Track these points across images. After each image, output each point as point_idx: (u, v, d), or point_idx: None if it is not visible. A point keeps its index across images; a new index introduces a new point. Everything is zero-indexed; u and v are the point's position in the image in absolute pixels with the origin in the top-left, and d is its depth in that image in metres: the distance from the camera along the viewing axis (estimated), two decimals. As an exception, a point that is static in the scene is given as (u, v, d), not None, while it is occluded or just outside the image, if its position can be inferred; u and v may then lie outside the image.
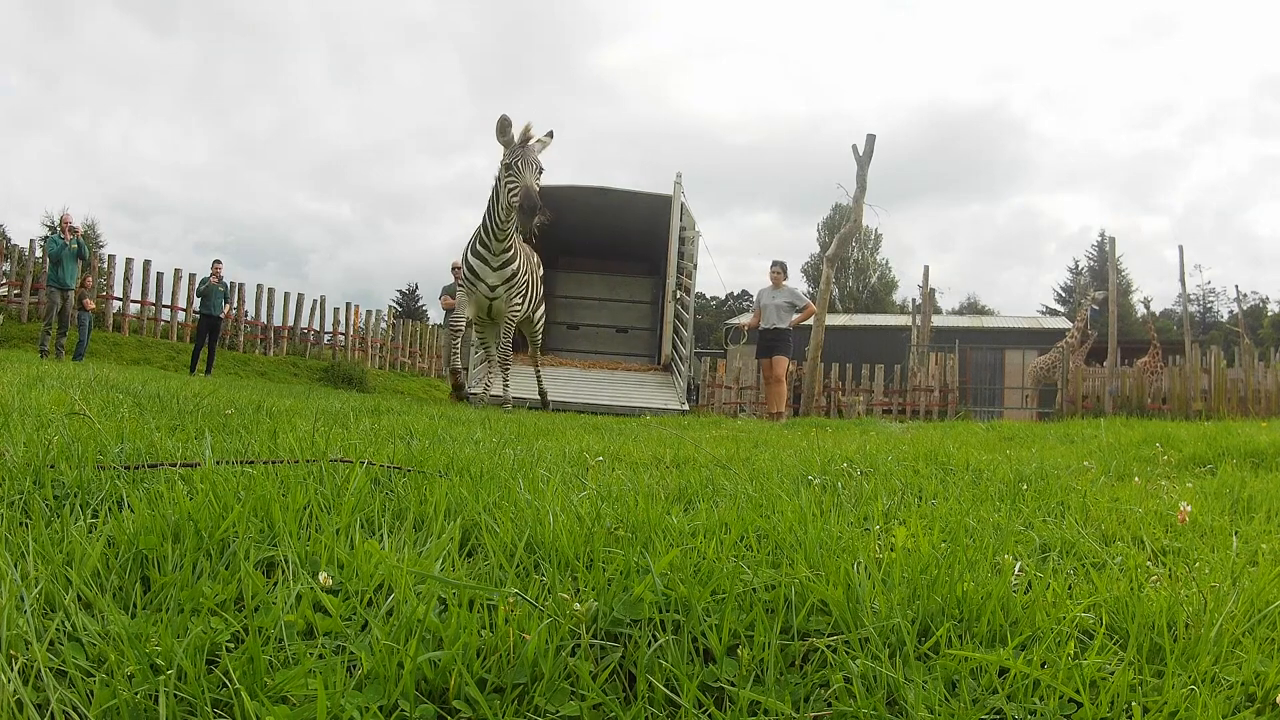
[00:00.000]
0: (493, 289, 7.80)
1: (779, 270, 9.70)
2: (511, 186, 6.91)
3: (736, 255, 69.37)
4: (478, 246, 7.70)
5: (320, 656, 0.93)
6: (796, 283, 10.70)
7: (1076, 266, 49.52)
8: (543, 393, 9.36)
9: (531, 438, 3.35)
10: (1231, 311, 40.79)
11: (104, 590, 1.06)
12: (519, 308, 8.06)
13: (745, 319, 12.37)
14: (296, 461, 1.77)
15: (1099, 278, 35.80)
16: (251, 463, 1.72)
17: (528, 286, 8.30)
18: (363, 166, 77.64)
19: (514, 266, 7.82)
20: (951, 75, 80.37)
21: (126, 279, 15.95)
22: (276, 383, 11.82)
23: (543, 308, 9.34)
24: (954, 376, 16.68)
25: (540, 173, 6.90)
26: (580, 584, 1.18)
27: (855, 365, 16.51)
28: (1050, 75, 77.45)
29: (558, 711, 0.90)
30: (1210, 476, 2.88)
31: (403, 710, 0.86)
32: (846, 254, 39.37)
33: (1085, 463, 3.04)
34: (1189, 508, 1.92)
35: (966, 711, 0.92)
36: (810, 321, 12.89)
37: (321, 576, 1.07)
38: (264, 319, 17.66)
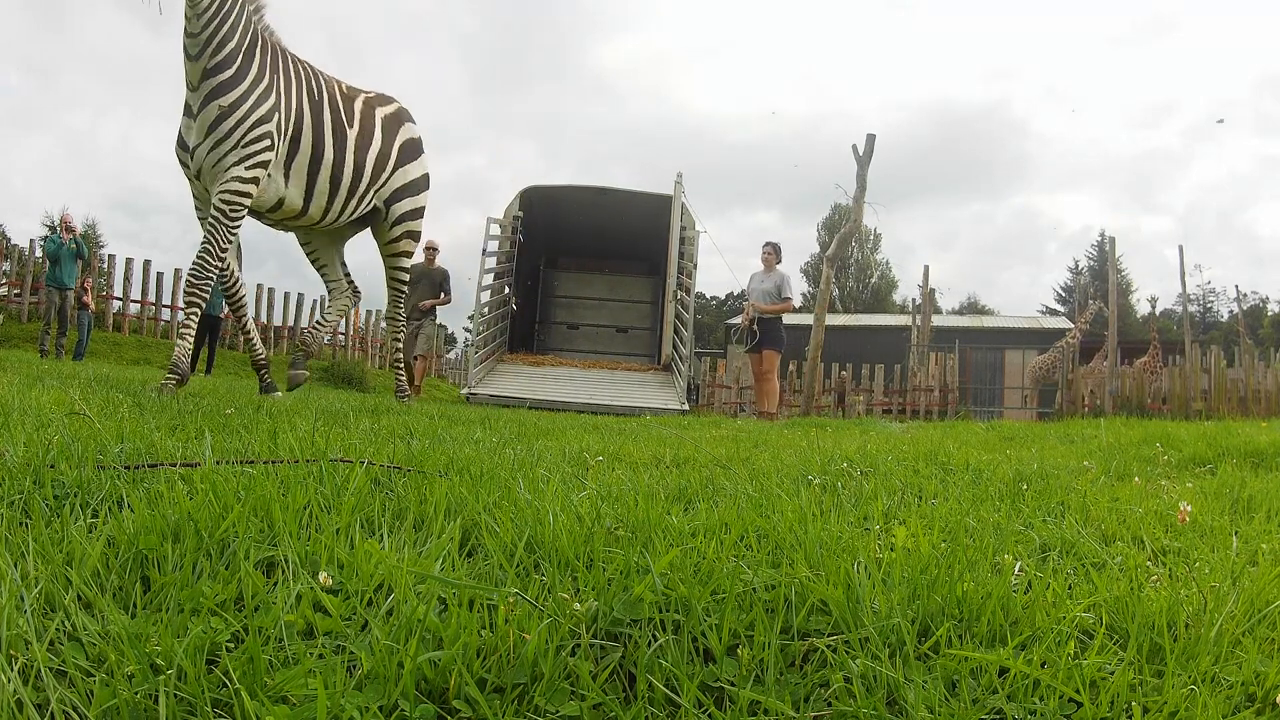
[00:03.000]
0: (192, 152, 4.27)
1: (770, 251, 8.83)
2: None
3: (736, 255, 69.57)
4: (188, 93, 4.26)
5: (320, 656, 0.93)
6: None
7: (1077, 266, 49.55)
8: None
9: (531, 438, 3.35)
10: (1231, 311, 40.84)
11: (104, 590, 1.06)
12: (234, 188, 4.25)
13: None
14: (296, 461, 1.77)
15: (1099, 278, 35.79)
16: (251, 463, 1.72)
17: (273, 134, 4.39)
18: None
19: (230, 99, 4.17)
20: (952, 75, 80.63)
21: (126, 279, 15.97)
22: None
23: (406, 236, 5.67)
24: (954, 376, 16.67)
25: None
26: (580, 584, 1.18)
27: (855, 365, 16.50)
28: (1051, 75, 77.63)
29: (558, 711, 0.90)
30: (1210, 476, 2.88)
31: (403, 710, 0.86)
32: (846, 254, 39.39)
33: (1085, 463, 3.04)
34: (1189, 508, 1.92)
35: (966, 711, 0.92)
36: (811, 321, 12.91)
37: (321, 576, 1.07)
38: (264, 319, 17.66)
